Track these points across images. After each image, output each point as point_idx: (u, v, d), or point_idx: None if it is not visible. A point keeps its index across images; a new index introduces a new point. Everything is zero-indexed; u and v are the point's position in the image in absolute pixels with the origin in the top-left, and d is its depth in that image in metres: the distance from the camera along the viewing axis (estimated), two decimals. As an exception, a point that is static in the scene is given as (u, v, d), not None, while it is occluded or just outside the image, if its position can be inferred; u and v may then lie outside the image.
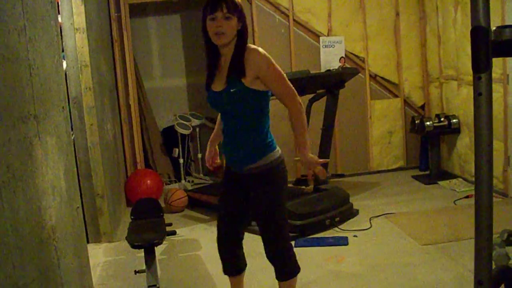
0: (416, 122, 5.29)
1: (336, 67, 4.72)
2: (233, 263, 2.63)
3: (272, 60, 2.32)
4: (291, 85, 2.36)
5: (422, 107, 5.81)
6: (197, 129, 6.03)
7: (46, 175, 2.03)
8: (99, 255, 3.86)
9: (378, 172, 5.74)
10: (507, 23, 3.99)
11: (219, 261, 2.65)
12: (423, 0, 5.57)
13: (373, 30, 5.55)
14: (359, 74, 5.20)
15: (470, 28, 1.41)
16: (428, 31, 5.56)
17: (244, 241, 2.64)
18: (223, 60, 2.38)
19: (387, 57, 5.64)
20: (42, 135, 2.02)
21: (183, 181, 5.78)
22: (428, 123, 5.17)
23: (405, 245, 3.68)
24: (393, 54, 5.65)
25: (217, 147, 2.77)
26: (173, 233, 4.00)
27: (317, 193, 4.41)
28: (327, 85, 4.51)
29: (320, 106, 4.66)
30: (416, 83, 5.75)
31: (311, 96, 4.58)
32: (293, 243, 3.51)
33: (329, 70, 4.66)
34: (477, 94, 1.41)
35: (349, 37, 5.46)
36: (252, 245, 3.05)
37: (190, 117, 5.93)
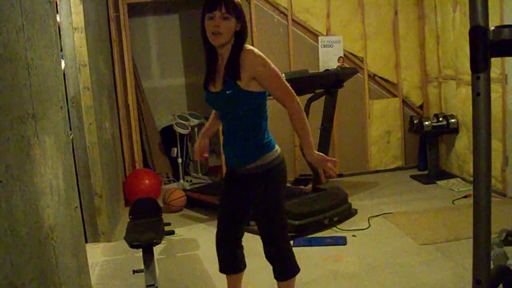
0: (415, 122, 5.29)
1: (335, 67, 4.73)
2: (231, 262, 2.62)
3: (268, 61, 2.28)
4: (288, 85, 2.34)
5: (421, 107, 5.81)
6: (196, 129, 6.02)
7: (44, 174, 2.03)
8: (97, 254, 3.85)
9: (377, 172, 5.74)
10: (506, 23, 3.99)
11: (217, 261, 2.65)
12: (421, 0, 5.57)
13: (372, 30, 5.55)
14: (358, 73, 5.20)
15: (468, 28, 1.42)
16: (427, 31, 5.56)
17: (243, 241, 2.64)
18: (220, 60, 2.35)
19: (386, 57, 5.63)
20: (40, 134, 2.01)
21: (181, 181, 5.77)
22: (426, 123, 5.17)
23: (403, 244, 3.68)
24: (392, 54, 5.65)
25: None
26: (172, 232, 4.00)
27: (316, 193, 4.42)
28: (325, 85, 4.51)
29: (318, 106, 4.66)
30: (415, 82, 5.75)
31: (309, 96, 4.58)
32: (291, 242, 3.51)
33: (327, 70, 4.66)
34: (475, 94, 1.42)
35: (348, 36, 5.46)
36: (251, 245, 3.05)
37: (189, 117, 5.93)
